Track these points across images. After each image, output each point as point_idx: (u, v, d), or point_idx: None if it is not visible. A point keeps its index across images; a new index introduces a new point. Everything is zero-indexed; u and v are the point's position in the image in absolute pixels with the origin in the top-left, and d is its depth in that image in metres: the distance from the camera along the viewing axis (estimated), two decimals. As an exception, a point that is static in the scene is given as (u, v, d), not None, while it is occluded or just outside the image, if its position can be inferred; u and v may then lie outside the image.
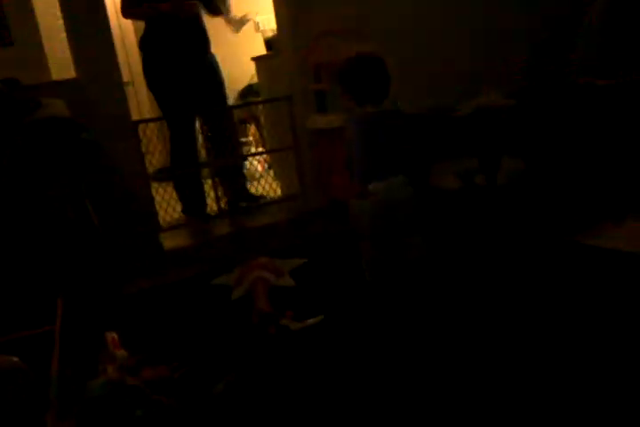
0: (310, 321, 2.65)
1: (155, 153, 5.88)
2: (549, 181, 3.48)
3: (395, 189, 2.63)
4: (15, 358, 2.04)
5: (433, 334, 2.45)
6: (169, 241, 4.15)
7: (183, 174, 4.50)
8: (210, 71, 4.42)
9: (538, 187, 3.48)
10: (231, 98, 5.64)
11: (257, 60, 5.04)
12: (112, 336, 2.43)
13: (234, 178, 4.64)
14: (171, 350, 2.53)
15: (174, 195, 4.62)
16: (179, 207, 4.59)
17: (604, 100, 3.35)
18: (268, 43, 5.30)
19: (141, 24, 4.44)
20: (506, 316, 2.51)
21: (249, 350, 2.49)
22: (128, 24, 6.72)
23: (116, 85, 3.94)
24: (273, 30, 5.46)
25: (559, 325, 2.36)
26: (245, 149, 5.76)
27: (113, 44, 3.96)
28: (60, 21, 4.16)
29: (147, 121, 4.54)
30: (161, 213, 4.37)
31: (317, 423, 2.00)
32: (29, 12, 4.81)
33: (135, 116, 4.76)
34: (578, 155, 3.38)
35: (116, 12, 5.57)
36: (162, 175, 5.10)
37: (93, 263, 3.06)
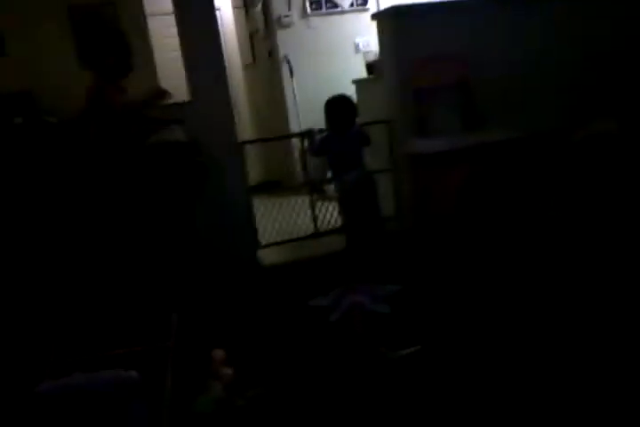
0: (406, 351, 2.69)
1: (254, 168, 6.19)
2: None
3: (357, 177, 3.85)
4: (134, 373, 2.20)
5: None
6: (268, 257, 4.32)
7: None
8: None
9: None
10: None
11: (357, 82, 5.14)
12: (220, 354, 2.57)
13: None
14: (274, 369, 2.64)
15: (273, 212, 4.81)
16: (277, 224, 4.76)
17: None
18: (370, 66, 5.38)
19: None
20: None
21: (347, 376, 2.56)
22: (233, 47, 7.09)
23: (227, 107, 4.21)
24: (373, 52, 5.55)
25: None
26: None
27: (225, 69, 4.23)
28: (175, 53, 4.47)
29: (252, 142, 4.75)
30: (260, 230, 4.54)
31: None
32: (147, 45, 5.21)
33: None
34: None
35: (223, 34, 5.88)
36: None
37: (202, 280, 3.24)
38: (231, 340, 2.87)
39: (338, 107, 3.90)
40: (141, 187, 3.24)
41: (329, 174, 5.09)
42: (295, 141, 5.27)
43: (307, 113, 5.91)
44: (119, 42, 3.42)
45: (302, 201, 4.96)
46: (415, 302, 3.23)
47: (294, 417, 2.33)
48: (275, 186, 6.44)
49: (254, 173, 6.13)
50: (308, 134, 4.13)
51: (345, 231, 4.12)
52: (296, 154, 4.97)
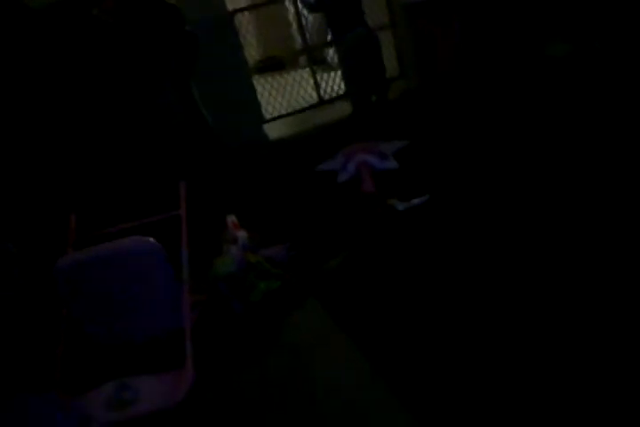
0: (416, 201, 2.70)
1: (253, 44, 5.93)
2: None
3: (359, 34, 3.58)
4: (151, 239, 2.25)
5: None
6: (274, 131, 4.27)
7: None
8: None
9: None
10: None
11: None
12: (232, 219, 2.62)
13: None
14: (285, 231, 2.71)
15: (276, 85, 4.66)
16: (281, 98, 4.63)
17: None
18: None
19: None
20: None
21: (358, 230, 2.61)
22: None
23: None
24: None
25: None
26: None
27: None
28: None
29: (242, 10, 4.48)
30: (264, 105, 4.43)
31: (421, 300, 2.11)
32: None
33: (230, 6, 4.68)
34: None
35: None
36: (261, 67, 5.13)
37: (208, 151, 3.22)
38: (243, 206, 2.92)
39: None
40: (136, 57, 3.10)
41: (328, 38, 4.88)
42: (289, 6, 4.97)
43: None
44: None
45: (304, 73, 4.80)
46: (423, 156, 3.20)
47: (309, 272, 2.42)
48: (276, 64, 6.19)
49: (254, 52, 5.90)
50: None
51: (350, 94, 3.99)
52: (291, 19, 4.70)
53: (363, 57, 3.62)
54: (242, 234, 2.52)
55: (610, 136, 2.89)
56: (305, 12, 4.32)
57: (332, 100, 4.56)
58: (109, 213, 2.71)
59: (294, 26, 4.64)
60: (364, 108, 3.80)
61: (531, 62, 3.81)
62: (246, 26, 4.54)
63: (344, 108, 4.20)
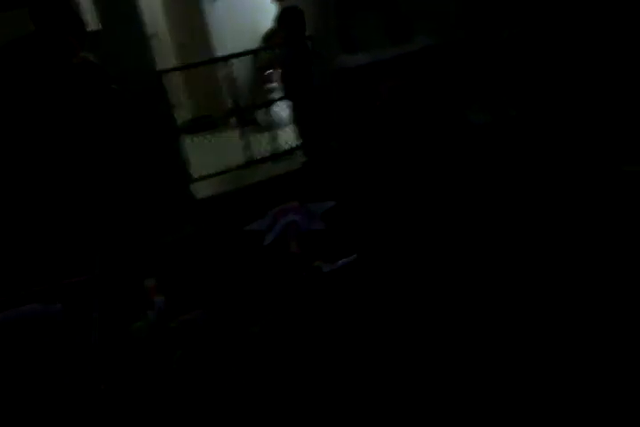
0: (341, 262, 2.68)
1: (183, 104, 5.94)
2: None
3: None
4: (58, 305, 2.12)
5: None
6: (201, 190, 4.21)
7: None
8: None
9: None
10: (255, 42, 5.58)
11: (278, 0, 4.89)
12: (151, 283, 2.50)
13: None
14: (207, 295, 2.60)
15: (205, 145, 4.66)
16: (210, 158, 4.60)
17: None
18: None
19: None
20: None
21: (282, 293, 2.54)
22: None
23: (142, 36, 3.93)
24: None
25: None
26: (271, 95, 5.67)
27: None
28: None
29: (172, 70, 4.48)
30: (193, 164, 4.38)
31: (347, 363, 2.04)
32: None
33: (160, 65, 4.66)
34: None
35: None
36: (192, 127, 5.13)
37: (129, 213, 3.11)
38: (164, 269, 2.80)
39: (297, 14, 3.84)
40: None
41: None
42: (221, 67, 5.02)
43: (233, 37, 5.63)
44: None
45: (235, 134, 4.82)
46: (350, 216, 3.21)
47: (229, 337, 2.31)
48: (208, 123, 6.19)
49: (184, 112, 5.91)
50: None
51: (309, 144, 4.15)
52: (221, 80, 4.75)
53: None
54: (160, 299, 2.41)
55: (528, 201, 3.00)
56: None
57: (262, 160, 4.57)
58: (19, 276, 2.56)
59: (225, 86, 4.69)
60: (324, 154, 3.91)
61: (454, 128, 3.98)
62: (176, 85, 4.55)
63: (273, 169, 4.23)
